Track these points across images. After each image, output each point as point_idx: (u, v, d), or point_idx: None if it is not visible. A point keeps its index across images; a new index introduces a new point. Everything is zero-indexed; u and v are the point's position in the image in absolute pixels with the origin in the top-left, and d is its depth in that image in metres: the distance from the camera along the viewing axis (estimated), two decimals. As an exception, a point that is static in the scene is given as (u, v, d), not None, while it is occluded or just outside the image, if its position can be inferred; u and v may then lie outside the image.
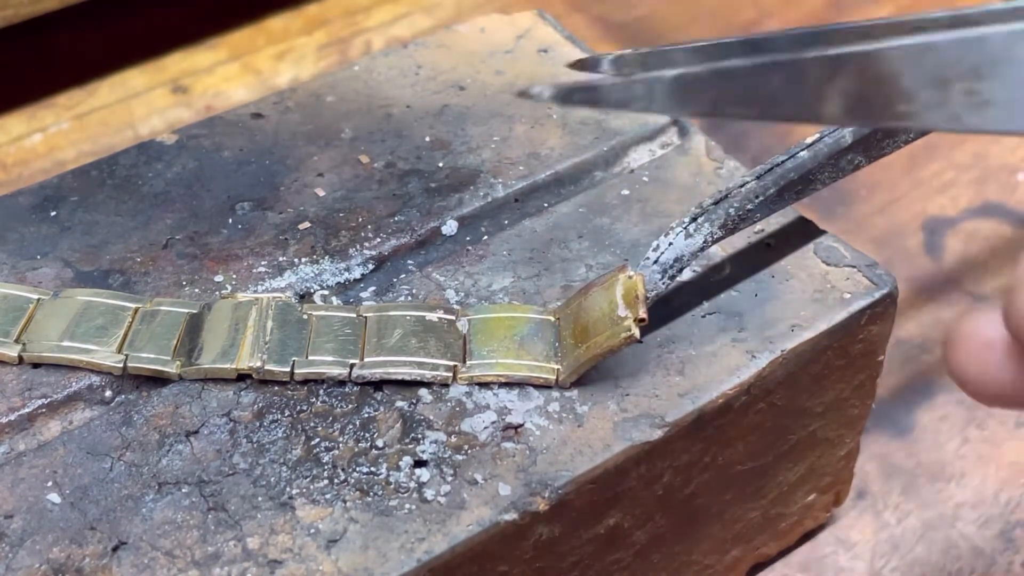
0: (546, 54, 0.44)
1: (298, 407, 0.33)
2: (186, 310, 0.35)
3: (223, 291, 0.36)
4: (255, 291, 0.36)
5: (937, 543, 0.42)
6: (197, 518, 0.31)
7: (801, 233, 0.38)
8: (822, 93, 0.28)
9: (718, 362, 0.34)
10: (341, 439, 0.32)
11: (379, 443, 0.32)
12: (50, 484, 0.31)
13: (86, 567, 0.30)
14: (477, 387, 0.34)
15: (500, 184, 0.39)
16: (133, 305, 0.35)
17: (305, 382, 0.33)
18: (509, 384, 0.34)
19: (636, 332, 0.32)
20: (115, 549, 0.30)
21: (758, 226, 0.38)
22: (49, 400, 0.33)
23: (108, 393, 0.34)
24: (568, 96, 0.29)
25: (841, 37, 0.29)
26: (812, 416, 0.38)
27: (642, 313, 0.32)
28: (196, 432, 0.32)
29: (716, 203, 0.34)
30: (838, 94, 0.28)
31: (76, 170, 0.40)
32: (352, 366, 0.33)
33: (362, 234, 0.38)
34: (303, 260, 0.37)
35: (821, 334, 0.35)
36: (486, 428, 0.33)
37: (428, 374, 0.33)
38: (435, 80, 0.43)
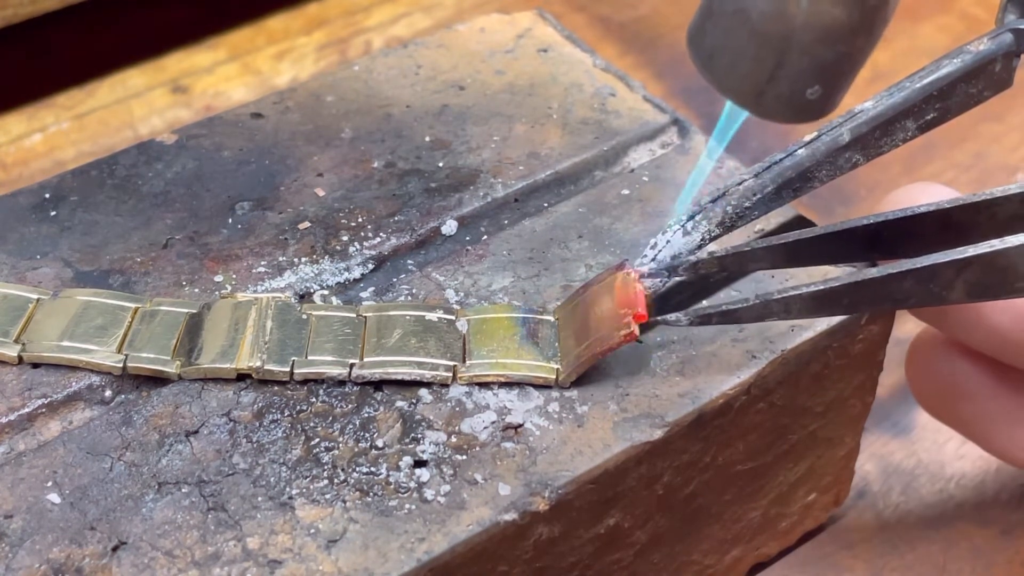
0: (546, 54, 0.44)
1: (298, 407, 0.33)
2: (186, 310, 0.35)
3: (223, 291, 0.36)
4: (255, 291, 0.36)
5: (937, 543, 0.42)
6: (197, 518, 0.31)
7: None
8: (950, 286, 0.31)
9: (718, 362, 0.34)
10: (341, 439, 0.32)
11: (379, 443, 0.32)
12: (50, 484, 0.31)
13: (86, 567, 0.30)
14: (477, 387, 0.34)
15: (500, 184, 0.39)
16: (133, 305, 0.35)
17: (305, 382, 0.33)
18: (509, 384, 0.34)
19: (635, 329, 0.32)
20: (115, 549, 0.30)
21: (757, 225, 0.38)
22: (49, 400, 0.33)
23: (108, 393, 0.34)
24: (706, 320, 0.32)
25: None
26: (812, 416, 0.38)
27: (641, 310, 0.32)
28: (196, 432, 0.32)
29: (714, 201, 0.34)
30: (962, 284, 0.31)
31: (76, 170, 0.40)
32: (352, 366, 0.33)
33: (362, 234, 0.38)
34: (303, 260, 0.37)
35: (821, 334, 0.35)
36: (486, 428, 0.33)
37: (428, 374, 0.33)
38: (435, 80, 0.43)
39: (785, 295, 0.32)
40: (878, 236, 0.34)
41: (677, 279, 0.34)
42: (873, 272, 0.32)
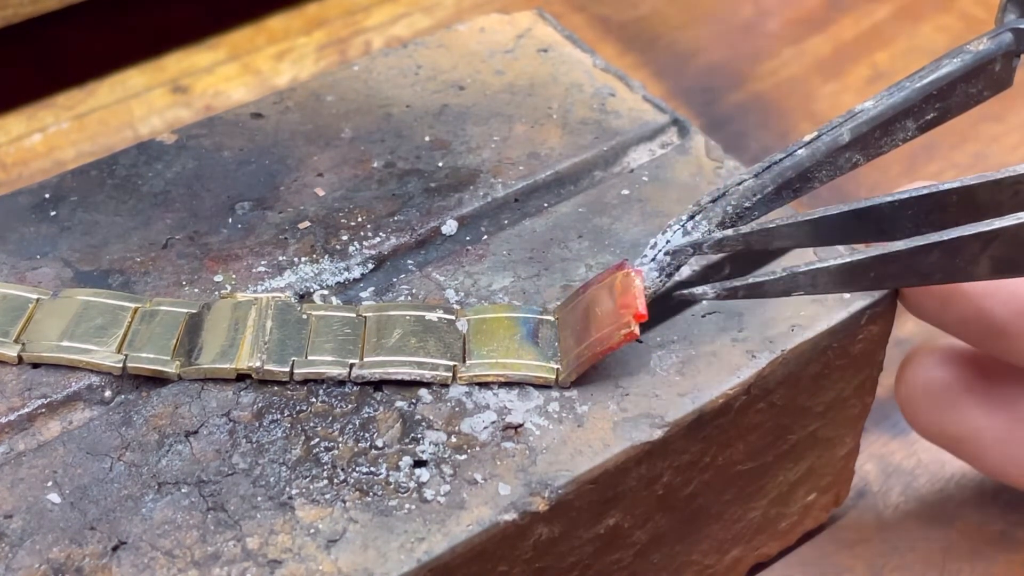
0: (546, 54, 0.44)
1: (298, 407, 0.33)
2: (186, 310, 0.35)
3: (223, 291, 0.36)
4: (255, 291, 0.36)
5: (937, 543, 0.42)
6: (197, 518, 0.31)
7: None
8: (975, 260, 0.31)
9: (718, 362, 0.34)
10: (341, 439, 0.32)
11: (379, 443, 0.32)
12: (50, 484, 0.31)
13: (86, 567, 0.30)
14: (477, 387, 0.34)
15: (500, 184, 0.39)
16: (133, 305, 0.35)
17: (305, 382, 0.33)
18: (509, 384, 0.34)
19: (635, 329, 0.32)
20: (115, 549, 0.30)
21: (757, 225, 0.38)
22: (49, 400, 0.33)
23: (108, 393, 0.34)
24: (733, 293, 0.32)
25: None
26: (812, 416, 0.38)
27: (641, 309, 0.32)
28: (196, 432, 0.32)
29: (714, 201, 0.34)
30: (988, 259, 0.31)
31: (76, 170, 0.40)
32: (352, 366, 0.33)
33: (362, 234, 0.38)
34: (303, 260, 0.37)
35: (821, 334, 0.35)
36: (486, 428, 0.33)
37: (428, 374, 0.33)
38: (435, 80, 0.43)
39: (812, 268, 0.32)
40: (903, 213, 0.34)
41: (676, 279, 0.34)
42: (899, 245, 0.32)
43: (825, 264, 0.32)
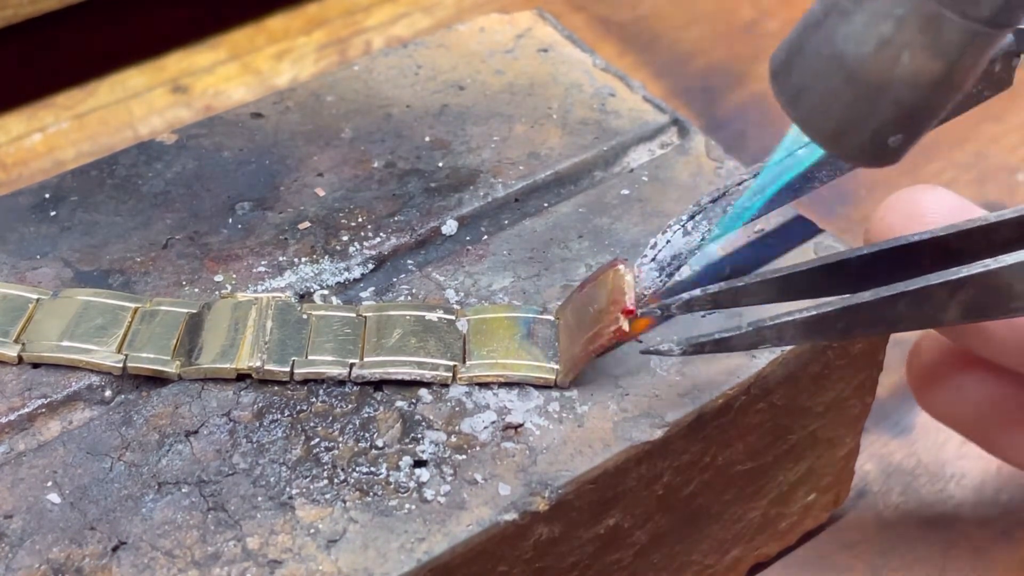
0: (546, 54, 0.44)
1: (298, 407, 0.33)
2: (186, 310, 0.35)
3: (223, 291, 0.36)
4: (255, 291, 0.36)
5: (937, 543, 0.42)
6: (197, 518, 0.31)
7: (800, 232, 0.38)
8: (944, 307, 0.31)
9: (718, 362, 0.34)
10: (341, 439, 0.32)
11: (379, 443, 0.32)
12: (50, 484, 0.31)
13: (86, 567, 0.30)
14: (477, 387, 0.34)
15: (500, 184, 0.39)
16: (133, 305, 0.35)
17: (305, 382, 0.33)
18: (509, 384, 0.34)
19: (625, 325, 0.32)
20: (115, 549, 0.30)
21: (757, 225, 0.38)
22: (49, 400, 0.33)
23: (108, 393, 0.34)
24: (699, 349, 0.32)
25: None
26: (812, 416, 0.38)
27: (630, 305, 0.32)
28: (196, 432, 0.32)
29: (714, 201, 0.34)
30: (957, 305, 0.31)
31: (76, 170, 0.40)
32: (352, 366, 0.33)
33: (362, 234, 0.38)
34: (303, 260, 0.37)
35: (821, 334, 0.35)
36: (486, 428, 0.33)
37: (428, 374, 0.33)
38: (435, 80, 0.43)
39: (778, 322, 0.31)
40: (873, 266, 0.33)
41: (676, 279, 0.34)
42: (866, 296, 0.31)
43: (791, 317, 0.31)
